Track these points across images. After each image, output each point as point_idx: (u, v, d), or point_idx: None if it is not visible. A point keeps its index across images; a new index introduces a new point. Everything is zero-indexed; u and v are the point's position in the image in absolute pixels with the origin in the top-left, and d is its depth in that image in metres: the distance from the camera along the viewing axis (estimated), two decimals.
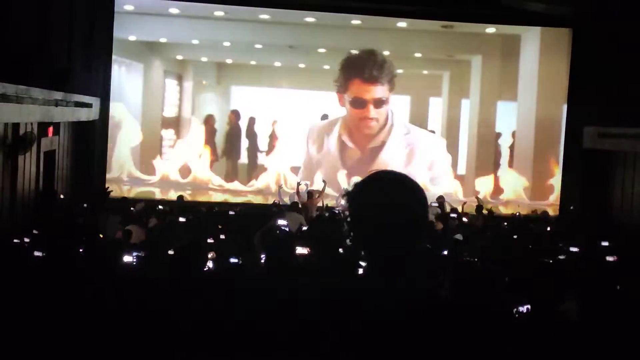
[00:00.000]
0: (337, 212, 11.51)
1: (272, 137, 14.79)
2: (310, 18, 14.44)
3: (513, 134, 14.84)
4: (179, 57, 14.79)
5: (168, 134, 14.45)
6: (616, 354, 3.47)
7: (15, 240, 6.97)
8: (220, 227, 9.07)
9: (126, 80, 14.15)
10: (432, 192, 12.24)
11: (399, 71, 14.31)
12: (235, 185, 14.54)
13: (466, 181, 14.51)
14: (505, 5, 13.50)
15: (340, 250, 6.69)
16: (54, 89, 9.85)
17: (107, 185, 12.79)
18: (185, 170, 14.30)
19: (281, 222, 8.98)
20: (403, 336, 1.63)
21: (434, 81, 15.11)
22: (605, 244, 8.51)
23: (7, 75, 8.00)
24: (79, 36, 11.87)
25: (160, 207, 11.31)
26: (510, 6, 13.59)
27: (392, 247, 1.70)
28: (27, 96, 8.69)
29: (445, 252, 6.77)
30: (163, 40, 14.57)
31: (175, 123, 14.54)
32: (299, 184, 12.70)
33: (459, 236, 8.79)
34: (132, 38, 14.12)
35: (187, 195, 13.33)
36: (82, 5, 12.08)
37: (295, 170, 14.43)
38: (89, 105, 12.31)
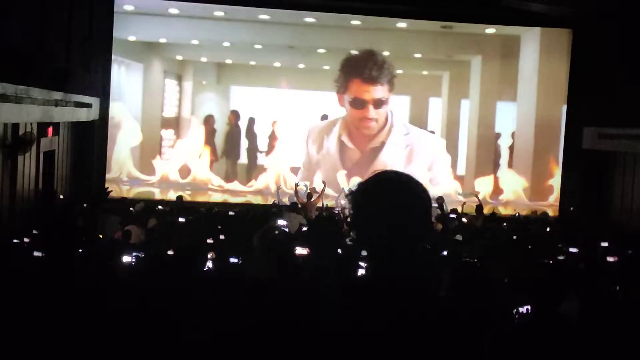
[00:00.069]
0: (336, 212, 11.52)
1: (272, 138, 14.78)
2: (310, 18, 14.44)
3: (512, 135, 14.84)
4: (179, 57, 14.79)
5: (168, 134, 14.45)
6: (616, 355, 3.47)
7: (14, 241, 6.97)
8: (219, 227, 9.07)
9: (126, 80, 14.14)
10: (431, 193, 12.22)
11: (399, 71, 14.32)
12: (235, 185, 14.53)
13: (466, 181, 14.50)
14: (505, 5, 13.50)
15: (340, 250, 6.68)
16: (54, 89, 9.85)
17: (106, 186, 12.79)
18: (184, 171, 14.30)
19: (281, 222, 8.98)
20: (404, 336, 1.62)
21: (434, 81, 15.11)
22: (605, 244, 8.52)
23: (6, 76, 7.99)
24: (79, 36, 11.86)
25: (159, 207, 11.30)
26: (510, 6, 13.59)
27: (395, 247, 1.70)
28: (26, 96, 8.68)
29: (445, 253, 6.76)
30: (163, 40, 14.57)
31: (175, 123, 14.53)
32: (297, 184, 12.70)
33: (458, 237, 8.79)
34: (131, 38, 14.11)
35: (187, 196, 13.33)
36: (82, 5, 12.08)
37: (295, 170, 14.43)
38: (88, 106, 12.30)
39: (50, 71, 10.08)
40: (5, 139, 9.33)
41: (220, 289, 4.07)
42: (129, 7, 13.89)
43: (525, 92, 14.64)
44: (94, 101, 12.77)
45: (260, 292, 3.65)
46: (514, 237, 9.25)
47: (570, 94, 14.46)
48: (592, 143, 13.65)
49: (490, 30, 14.75)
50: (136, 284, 4.44)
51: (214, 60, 15.02)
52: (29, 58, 9.24)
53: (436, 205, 11.61)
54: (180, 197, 12.52)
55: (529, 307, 3.64)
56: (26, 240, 7.05)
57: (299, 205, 11.64)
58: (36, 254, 5.60)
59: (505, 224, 11.60)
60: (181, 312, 3.61)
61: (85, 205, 10.71)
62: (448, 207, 11.65)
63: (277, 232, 8.17)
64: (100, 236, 8.21)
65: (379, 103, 14.04)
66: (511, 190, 14.38)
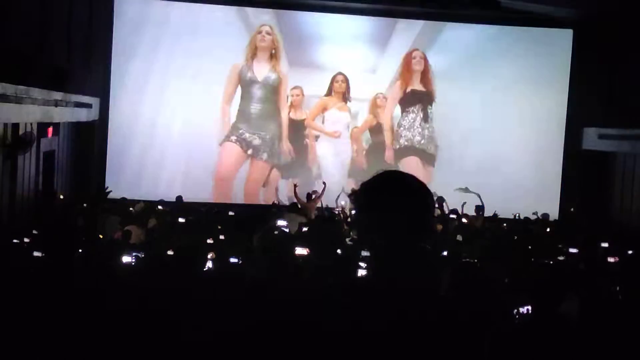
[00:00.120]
0: (336, 212, 11.52)
1: None
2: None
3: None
4: None
5: None
6: (616, 355, 3.47)
7: (14, 241, 6.97)
8: (219, 227, 9.07)
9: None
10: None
11: None
12: None
13: None
14: (505, 6, 13.51)
15: (339, 250, 6.69)
16: (54, 89, 9.85)
17: (106, 186, 12.78)
18: None
19: (281, 222, 8.98)
20: (404, 336, 1.62)
21: None
22: (605, 245, 8.52)
23: (6, 76, 7.99)
24: (79, 36, 11.86)
25: (159, 207, 11.30)
26: (511, 8, 13.60)
27: (396, 248, 1.70)
28: (26, 96, 8.68)
29: (445, 253, 6.77)
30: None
31: None
32: (295, 185, 12.70)
33: (458, 237, 8.79)
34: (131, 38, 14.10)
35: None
36: (82, 5, 12.08)
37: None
38: (88, 106, 12.30)
39: (50, 71, 10.08)
40: (5, 139, 9.33)
41: (220, 289, 4.07)
42: (129, 8, 13.89)
43: (526, 91, 14.62)
44: (94, 101, 12.78)
45: (260, 292, 3.65)
46: (514, 238, 9.25)
47: (571, 94, 14.46)
48: (592, 143, 13.66)
49: (492, 31, 14.77)
50: (136, 284, 4.44)
51: None
52: (29, 58, 9.25)
53: (436, 205, 11.62)
54: (180, 197, 12.51)
55: (529, 307, 3.64)
56: (26, 240, 7.05)
57: (299, 206, 11.64)
58: (36, 254, 5.60)
59: (505, 225, 11.60)
60: (181, 312, 3.61)
61: (85, 205, 10.71)
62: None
63: (277, 232, 8.19)
64: (100, 236, 8.21)
65: None
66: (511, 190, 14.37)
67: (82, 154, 13.23)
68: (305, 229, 8.51)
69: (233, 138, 14.15)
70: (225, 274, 5.01)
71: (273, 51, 14.20)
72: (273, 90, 14.27)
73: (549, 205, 13.61)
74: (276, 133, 14.34)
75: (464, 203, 11.90)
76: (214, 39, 14.11)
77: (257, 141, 14.22)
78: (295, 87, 14.31)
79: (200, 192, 13.76)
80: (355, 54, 14.52)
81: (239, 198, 14.06)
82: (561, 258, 7.44)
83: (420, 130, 14.63)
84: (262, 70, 14.20)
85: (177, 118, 14.10)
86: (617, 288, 5.22)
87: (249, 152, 14.20)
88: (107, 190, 11.77)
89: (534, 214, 12.38)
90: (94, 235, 8.18)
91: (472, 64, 14.59)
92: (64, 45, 11.12)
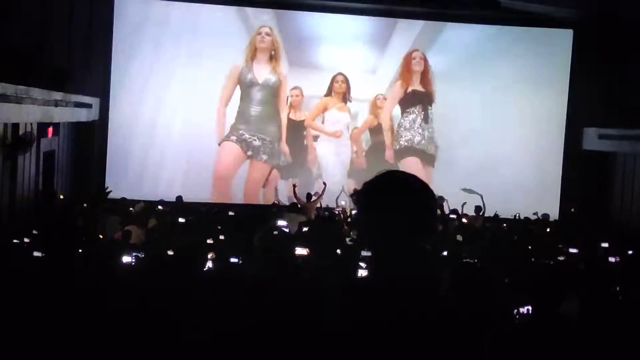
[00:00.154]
0: (336, 212, 11.53)
1: None
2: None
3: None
4: None
5: None
6: (616, 355, 3.47)
7: (14, 241, 6.97)
8: (219, 227, 9.07)
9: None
10: None
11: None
12: None
13: None
14: (505, 6, 13.51)
15: (339, 251, 6.69)
16: (54, 90, 9.85)
17: (106, 186, 12.77)
18: None
19: (281, 222, 8.99)
20: (404, 337, 1.62)
21: None
22: (605, 245, 8.52)
23: (7, 76, 7.99)
24: (79, 36, 11.86)
25: (159, 207, 11.30)
26: (511, 8, 13.60)
27: (398, 248, 1.69)
28: (26, 96, 8.68)
29: (445, 253, 6.76)
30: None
31: None
32: (295, 185, 12.70)
33: (458, 237, 8.79)
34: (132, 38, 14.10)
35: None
36: (83, 5, 12.08)
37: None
38: (88, 106, 12.30)
39: (50, 71, 10.08)
40: (5, 139, 9.33)
41: (220, 289, 4.06)
42: (129, 8, 13.90)
43: (526, 92, 14.62)
44: (94, 101, 12.78)
45: (260, 292, 3.65)
46: (514, 238, 9.25)
47: (571, 95, 14.46)
48: (592, 144, 13.66)
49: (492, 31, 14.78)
50: (136, 284, 4.44)
51: None
52: (29, 58, 9.25)
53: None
54: (180, 197, 12.51)
55: (529, 307, 3.64)
56: (26, 240, 7.05)
57: (299, 206, 11.64)
58: (36, 254, 5.60)
59: (505, 225, 11.60)
60: (181, 312, 3.61)
61: (85, 205, 10.71)
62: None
63: (277, 232, 8.19)
64: (100, 236, 8.21)
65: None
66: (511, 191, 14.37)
67: (82, 154, 13.23)
68: (305, 229, 8.51)
69: (233, 138, 14.14)
70: (225, 274, 5.00)
71: (273, 52, 14.19)
72: (273, 92, 14.27)
73: (549, 206, 13.61)
74: (276, 135, 14.33)
75: (464, 203, 11.90)
76: (214, 40, 14.11)
77: (257, 142, 14.22)
78: (294, 88, 14.30)
79: (200, 192, 13.77)
80: (355, 54, 14.52)
81: (238, 198, 14.05)
82: (561, 258, 7.44)
83: (420, 130, 14.63)
84: (262, 72, 14.19)
85: (177, 118, 14.10)
86: (617, 288, 5.22)
87: (249, 153, 14.19)
88: (108, 191, 11.76)
89: (534, 214, 12.38)
90: (94, 235, 8.17)
91: (472, 64, 14.59)
92: (64, 45, 11.12)
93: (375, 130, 14.62)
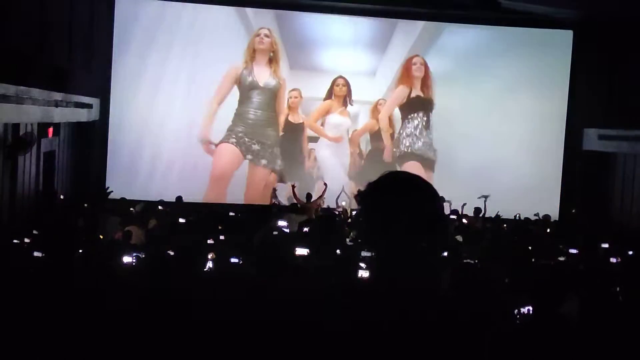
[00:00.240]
0: (337, 213, 11.52)
1: None
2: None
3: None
4: None
5: None
6: (617, 355, 3.47)
7: (15, 241, 6.97)
8: (220, 227, 9.07)
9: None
10: None
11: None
12: None
13: None
14: (505, 7, 13.51)
15: (339, 251, 6.68)
16: (54, 90, 9.85)
17: (107, 186, 12.78)
18: None
19: (281, 223, 8.99)
20: (405, 337, 1.62)
21: None
22: (605, 245, 8.53)
23: (7, 76, 8.00)
24: (79, 37, 11.87)
25: (160, 207, 11.30)
26: (511, 9, 13.60)
27: (402, 248, 1.69)
28: (27, 97, 8.69)
29: (445, 254, 6.76)
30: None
31: None
32: (294, 186, 12.69)
33: (459, 237, 8.79)
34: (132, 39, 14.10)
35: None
36: (83, 5, 12.08)
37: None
38: (89, 106, 12.31)
39: (50, 72, 10.08)
40: (5, 140, 9.33)
41: (221, 289, 4.06)
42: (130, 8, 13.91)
43: (526, 92, 14.62)
44: (95, 102, 12.78)
45: (260, 292, 3.64)
46: (515, 238, 9.25)
47: (571, 95, 14.46)
48: (592, 144, 13.66)
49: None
50: (136, 284, 4.44)
51: None
52: (29, 58, 9.25)
53: None
54: (180, 198, 12.51)
55: (530, 307, 3.64)
56: (26, 240, 7.06)
57: (299, 206, 11.64)
58: (36, 254, 5.60)
59: (505, 225, 11.60)
60: (181, 312, 3.61)
61: (85, 205, 10.71)
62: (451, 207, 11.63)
63: (277, 232, 8.18)
64: (101, 236, 8.22)
65: None
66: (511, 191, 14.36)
67: (82, 155, 13.24)
68: (305, 229, 8.50)
69: (232, 140, 14.11)
70: (225, 274, 5.01)
71: (271, 54, 14.17)
72: (273, 96, 14.25)
73: (549, 206, 13.61)
74: (276, 139, 14.32)
75: (464, 204, 11.90)
76: (215, 41, 14.12)
77: (256, 147, 14.20)
78: (293, 89, 14.29)
79: (200, 192, 13.78)
80: (355, 56, 14.51)
81: (238, 199, 14.05)
82: (562, 259, 7.44)
83: (421, 137, 14.60)
84: (262, 76, 14.16)
85: (178, 118, 14.09)
86: (618, 289, 5.22)
87: (249, 156, 14.18)
88: (108, 191, 11.77)
89: (535, 215, 12.38)
90: (95, 235, 8.18)
91: (472, 66, 14.60)
92: (64, 46, 11.13)
93: (376, 135, 14.60)
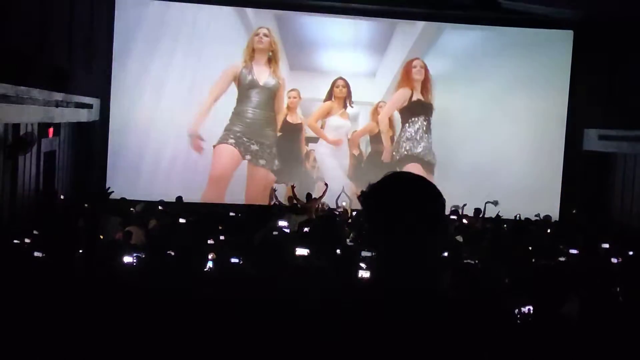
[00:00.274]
0: (337, 213, 11.52)
1: None
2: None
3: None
4: None
5: None
6: (617, 355, 3.47)
7: (15, 241, 6.97)
8: (220, 228, 9.07)
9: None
10: None
11: None
12: None
13: None
14: (505, 7, 13.52)
15: (339, 251, 6.69)
16: (55, 90, 9.86)
17: (108, 186, 12.77)
18: None
19: (282, 223, 9.00)
20: (405, 337, 1.62)
21: None
22: (605, 246, 8.53)
23: (7, 76, 8.00)
24: (80, 37, 11.87)
25: (160, 207, 11.29)
26: (511, 9, 13.61)
27: (401, 249, 1.69)
28: (27, 97, 8.69)
29: (446, 254, 6.77)
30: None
31: None
32: (293, 186, 12.69)
33: (459, 238, 8.79)
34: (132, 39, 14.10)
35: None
36: (83, 6, 12.09)
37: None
38: (89, 106, 12.31)
39: (51, 72, 10.09)
40: (6, 140, 9.33)
41: (221, 289, 4.07)
42: (130, 8, 13.91)
43: (526, 92, 14.62)
44: (95, 102, 12.78)
45: (261, 292, 3.65)
46: (515, 239, 9.24)
47: (571, 96, 14.46)
48: (592, 144, 13.66)
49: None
50: (137, 284, 4.44)
51: None
52: (29, 58, 9.26)
53: None
54: (180, 198, 12.51)
55: (530, 307, 3.64)
56: (27, 240, 7.06)
57: (299, 206, 11.64)
58: (36, 254, 5.61)
59: (505, 225, 11.59)
60: (181, 312, 3.61)
61: (86, 205, 10.70)
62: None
63: (277, 232, 8.19)
64: (101, 237, 8.21)
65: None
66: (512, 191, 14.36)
67: (82, 155, 13.24)
68: (305, 229, 8.51)
69: (231, 141, 14.09)
70: (225, 274, 5.01)
71: (270, 54, 14.16)
72: (272, 96, 14.24)
73: (549, 206, 13.62)
74: (274, 139, 14.31)
75: (464, 204, 11.90)
76: (215, 41, 14.12)
77: (255, 147, 14.19)
78: (292, 90, 14.28)
79: (200, 192, 13.78)
80: (355, 57, 14.51)
81: (239, 199, 14.05)
82: (562, 259, 7.44)
83: (422, 141, 14.58)
84: (261, 75, 14.16)
85: (178, 118, 14.09)
86: (618, 289, 5.22)
87: (247, 157, 14.17)
88: (109, 191, 11.76)
89: (536, 216, 12.38)
90: (95, 235, 8.16)
91: (472, 66, 14.60)
92: (64, 46, 11.13)
93: (376, 137, 14.59)
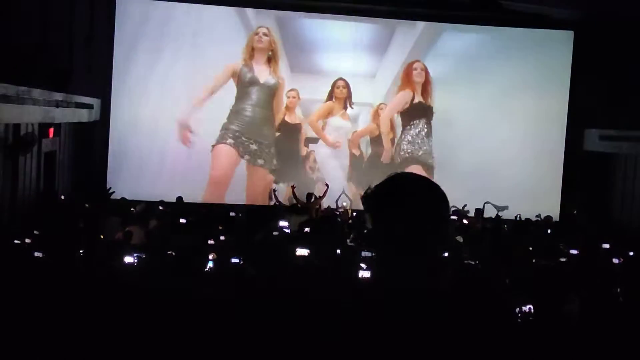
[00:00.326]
0: (337, 213, 11.53)
1: None
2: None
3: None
4: None
5: None
6: (617, 355, 3.47)
7: (16, 241, 6.97)
8: (220, 228, 9.08)
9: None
10: None
11: None
12: None
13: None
14: (506, 8, 13.52)
15: (339, 251, 6.69)
16: (55, 90, 9.86)
17: (109, 186, 12.77)
18: None
19: (282, 223, 9.00)
20: (405, 336, 1.62)
21: None
22: (606, 246, 8.53)
23: (8, 76, 8.01)
24: (80, 37, 11.88)
25: (160, 208, 11.30)
26: (511, 9, 13.60)
27: (402, 250, 1.69)
28: (28, 97, 8.69)
29: (446, 254, 6.76)
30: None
31: None
32: (293, 186, 12.69)
33: (459, 238, 8.79)
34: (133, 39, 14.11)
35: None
36: (83, 6, 12.09)
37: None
38: (90, 106, 12.32)
39: (51, 72, 10.09)
40: (6, 140, 9.34)
41: (221, 289, 4.07)
42: (131, 9, 13.91)
43: (527, 93, 14.62)
44: (95, 102, 12.79)
45: (261, 292, 3.65)
46: (515, 239, 9.24)
47: (572, 96, 14.46)
48: (593, 145, 13.66)
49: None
50: (137, 285, 4.44)
51: None
52: (30, 59, 9.26)
53: None
54: (180, 198, 12.51)
55: (531, 306, 3.64)
56: (27, 240, 7.06)
57: (299, 206, 11.64)
58: (37, 254, 5.60)
59: (506, 226, 11.59)
60: (181, 312, 3.61)
61: (86, 205, 10.71)
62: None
63: (277, 233, 8.19)
64: (101, 237, 8.21)
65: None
66: (512, 192, 14.35)
67: (83, 155, 13.24)
68: (306, 229, 8.51)
69: (230, 142, 14.07)
70: (226, 274, 5.01)
71: (270, 53, 14.16)
72: (272, 94, 14.23)
73: (550, 207, 13.62)
74: (272, 138, 14.30)
75: (465, 205, 11.90)
76: (215, 41, 14.11)
77: (253, 146, 14.18)
78: (291, 90, 14.26)
79: (200, 193, 13.78)
80: (355, 59, 14.49)
81: (239, 199, 14.05)
82: (562, 259, 7.44)
83: (423, 144, 14.57)
84: (261, 74, 14.16)
85: (178, 119, 14.08)
86: (618, 290, 5.22)
87: (246, 157, 14.15)
88: (111, 192, 11.77)
89: (537, 216, 12.37)
90: (95, 235, 8.17)
91: (472, 67, 14.59)
92: (65, 46, 11.14)
93: (377, 139, 14.57)
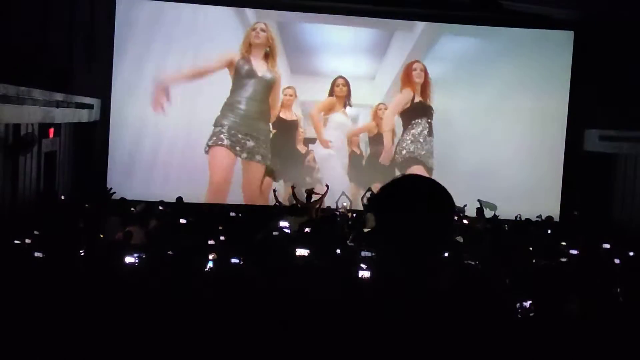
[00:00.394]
0: (337, 213, 11.53)
1: None
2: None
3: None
4: None
5: None
6: (617, 355, 3.47)
7: (16, 241, 6.97)
8: (220, 228, 9.08)
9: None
10: None
11: None
12: None
13: None
14: (506, 8, 13.52)
15: (339, 251, 6.69)
16: (55, 90, 9.86)
17: (109, 187, 12.78)
18: None
19: (282, 223, 9.00)
20: (405, 336, 1.63)
21: None
22: (606, 246, 8.53)
23: (8, 76, 8.01)
24: (80, 37, 11.88)
25: (160, 208, 11.30)
26: (511, 9, 13.60)
27: (403, 250, 1.69)
28: (28, 97, 8.70)
29: (446, 254, 6.76)
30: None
31: None
32: (293, 187, 12.69)
33: (459, 238, 8.79)
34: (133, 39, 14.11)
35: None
36: (83, 5, 12.09)
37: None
38: (90, 107, 12.32)
39: (51, 72, 10.10)
40: (6, 140, 9.34)
41: (221, 289, 4.07)
42: (130, 9, 13.92)
43: (527, 93, 14.62)
44: (96, 102, 12.79)
45: (261, 292, 3.65)
46: (516, 239, 9.25)
47: (572, 96, 14.46)
48: (593, 145, 13.66)
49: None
50: (138, 285, 4.44)
51: None
52: (30, 59, 9.26)
53: None
54: (180, 198, 12.51)
55: (530, 301, 3.64)
56: (27, 240, 7.06)
57: (299, 207, 11.64)
58: (37, 254, 5.61)
59: (506, 226, 11.60)
60: (182, 312, 3.61)
61: (86, 205, 10.72)
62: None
63: (277, 233, 8.19)
64: (101, 237, 8.22)
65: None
66: (512, 192, 14.36)
67: (83, 155, 13.24)
68: (306, 229, 8.51)
69: (226, 142, 14.03)
70: (226, 274, 5.01)
71: (267, 49, 14.14)
72: (268, 88, 14.20)
73: (550, 207, 13.63)
74: (267, 133, 14.28)
75: (465, 205, 11.90)
76: (216, 41, 14.11)
77: (250, 142, 14.15)
78: (288, 87, 14.24)
79: (201, 193, 13.77)
80: (354, 60, 14.48)
81: (239, 199, 14.04)
82: (563, 259, 7.44)
83: (425, 143, 14.56)
84: (259, 68, 14.15)
85: (179, 119, 14.08)
86: (618, 290, 5.22)
87: (244, 155, 14.13)
88: (111, 192, 11.78)
89: (537, 217, 12.37)
90: (96, 236, 8.18)
91: (472, 67, 14.58)
92: (65, 46, 11.14)
93: (376, 138, 14.56)
